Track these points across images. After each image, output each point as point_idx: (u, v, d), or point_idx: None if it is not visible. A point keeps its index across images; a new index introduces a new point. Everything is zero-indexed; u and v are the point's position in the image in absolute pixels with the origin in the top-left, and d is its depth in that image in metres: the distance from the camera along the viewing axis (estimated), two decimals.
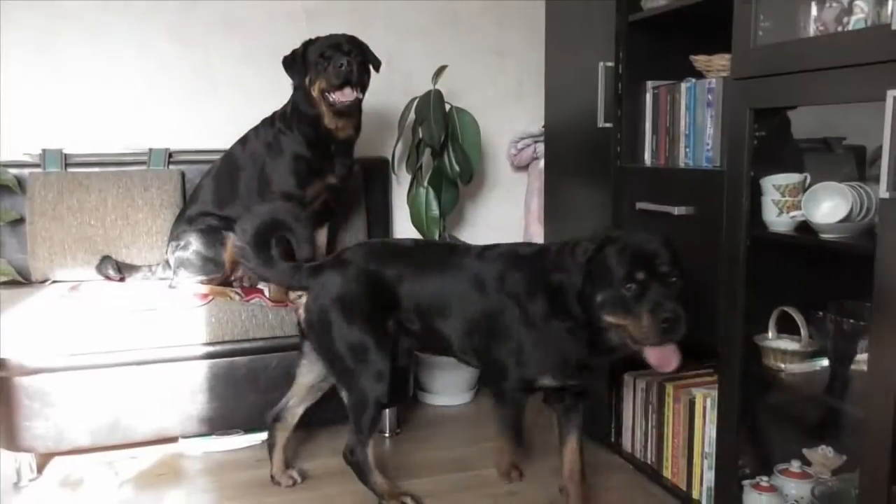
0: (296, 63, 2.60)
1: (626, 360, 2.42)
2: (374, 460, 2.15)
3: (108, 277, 2.75)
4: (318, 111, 2.60)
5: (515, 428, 2.14)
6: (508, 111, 3.51)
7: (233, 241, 2.65)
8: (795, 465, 1.96)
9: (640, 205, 2.28)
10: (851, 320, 1.78)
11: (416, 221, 3.07)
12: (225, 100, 3.15)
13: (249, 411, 2.55)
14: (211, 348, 2.50)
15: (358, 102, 2.60)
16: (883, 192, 1.44)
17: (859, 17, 1.57)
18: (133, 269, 2.79)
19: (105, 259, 2.76)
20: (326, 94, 2.56)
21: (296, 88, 2.64)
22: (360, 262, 2.10)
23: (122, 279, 2.75)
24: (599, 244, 1.82)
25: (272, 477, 2.35)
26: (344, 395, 2.13)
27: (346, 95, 2.55)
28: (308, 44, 2.60)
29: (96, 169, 2.88)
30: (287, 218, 2.16)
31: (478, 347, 2.05)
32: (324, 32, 2.71)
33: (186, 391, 2.49)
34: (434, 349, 2.34)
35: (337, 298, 2.07)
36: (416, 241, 2.36)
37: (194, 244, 2.65)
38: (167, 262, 2.73)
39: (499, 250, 2.07)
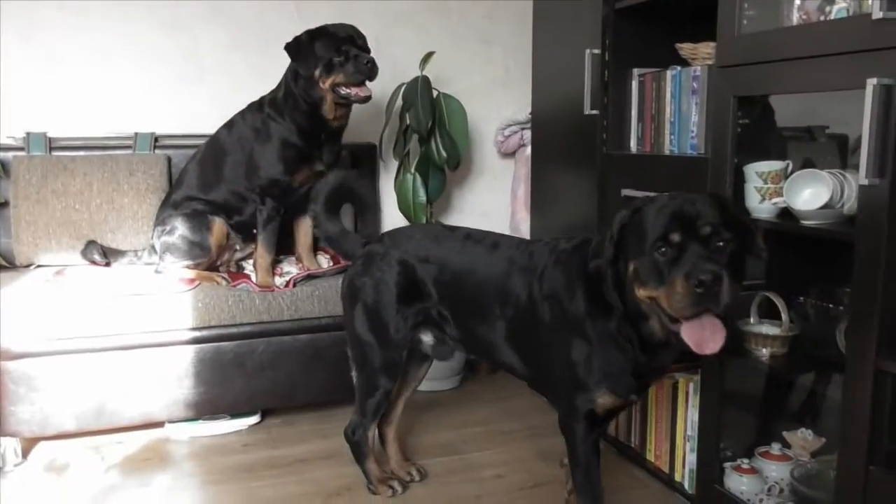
0: (302, 52, 2.57)
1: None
2: (373, 445, 2.17)
3: (93, 262, 2.73)
4: (319, 101, 2.60)
5: (595, 490, 1.83)
6: (495, 98, 3.51)
7: (218, 225, 2.66)
8: (776, 448, 2.00)
9: (626, 191, 2.30)
10: (831, 305, 1.81)
11: (404, 207, 3.07)
12: (212, 85, 3.13)
13: (236, 396, 2.56)
14: (197, 333, 2.50)
15: (371, 96, 2.62)
16: (862, 178, 1.47)
17: (841, 7, 1.59)
18: (119, 253, 2.78)
19: (90, 244, 2.75)
20: (340, 87, 2.57)
21: (295, 76, 2.61)
22: (396, 249, 2.03)
23: (107, 264, 2.74)
24: (635, 209, 1.58)
25: (391, 472, 2.30)
26: (354, 374, 2.13)
27: (364, 91, 2.58)
28: (314, 34, 2.58)
29: (81, 153, 2.86)
30: (356, 186, 2.23)
31: (524, 358, 1.89)
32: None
33: (173, 376, 2.49)
34: (477, 352, 2.07)
35: (366, 280, 2.04)
36: (461, 230, 2.08)
37: (180, 229, 2.64)
38: (153, 247, 2.72)
39: (541, 243, 1.90)
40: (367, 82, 2.60)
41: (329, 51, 2.55)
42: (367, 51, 2.62)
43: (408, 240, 2.05)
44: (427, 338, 2.09)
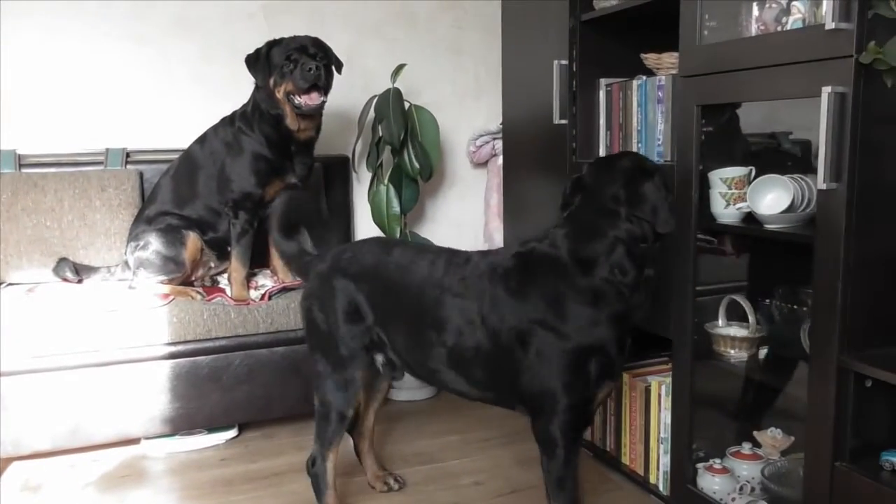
0: (259, 63, 2.59)
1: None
2: (332, 477, 2.04)
3: (65, 279, 2.72)
4: (281, 112, 2.61)
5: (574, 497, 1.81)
6: (467, 109, 3.55)
7: (192, 240, 2.66)
8: (746, 447, 2.04)
9: None
10: (794, 306, 1.86)
11: (378, 219, 3.09)
12: (183, 99, 3.13)
13: (212, 410, 2.55)
14: (173, 348, 2.49)
15: (322, 105, 2.62)
16: (821, 183, 1.52)
17: (797, 18, 1.64)
18: (91, 270, 2.76)
19: (62, 261, 2.73)
20: (292, 96, 2.57)
21: (258, 88, 2.64)
22: (336, 267, 1.97)
23: (80, 281, 2.72)
24: None
25: (370, 483, 2.31)
26: (315, 401, 2.04)
27: (312, 99, 2.58)
28: (272, 44, 2.60)
29: (52, 169, 2.84)
30: (305, 205, 2.31)
31: (490, 379, 1.83)
32: (282, 31, 2.72)
33: (148, 392, 2.48)
34: (420, 375, 2.02)
35: (313, 301, 2.00)
36: (397, 243, 2.06)
37: (154, 244, 2.63)
38: (126, 262, 2.71)
39: (504, 253, 1.85)
40: (323, 92, 2.59)
41: (280, 59, 2.56)
42: (324, 60, 2.60)
43: (348, 258, 1.98)
44: (379, 357, 2.00)
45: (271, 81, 2.58)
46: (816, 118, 1.50)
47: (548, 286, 1.71)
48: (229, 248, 2.71)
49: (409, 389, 3.05)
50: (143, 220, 2.72)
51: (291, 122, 2.62)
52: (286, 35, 2.64)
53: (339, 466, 2.13)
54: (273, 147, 2.65)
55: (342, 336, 1.95)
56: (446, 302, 1.81)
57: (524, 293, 1.73)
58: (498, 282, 1.77)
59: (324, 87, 2.60)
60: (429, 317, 1.83)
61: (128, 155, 2.97)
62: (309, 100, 2.57)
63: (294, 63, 2.55)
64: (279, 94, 2.58)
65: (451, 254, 1.91)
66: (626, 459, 2.37)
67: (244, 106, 2.71)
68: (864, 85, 1.45)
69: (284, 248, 2.16)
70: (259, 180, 2.66)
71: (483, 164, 3.50)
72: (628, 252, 1.67)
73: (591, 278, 1.68)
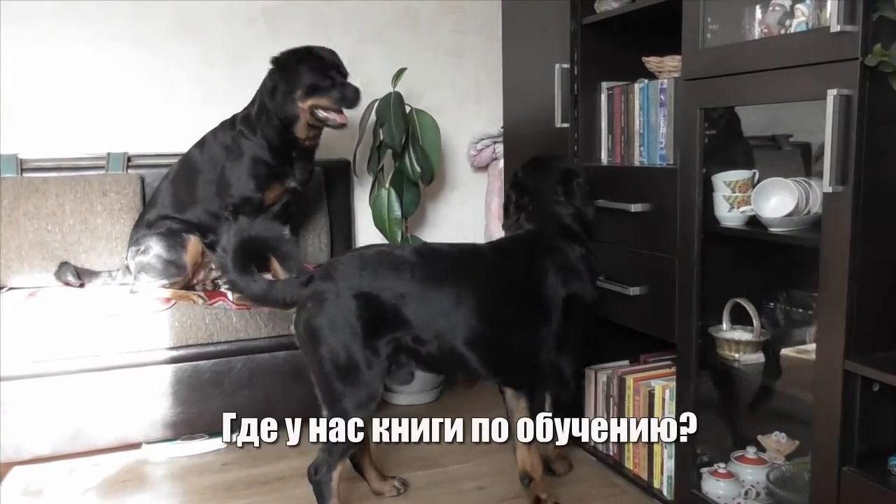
0: (288, 69, 2.58)
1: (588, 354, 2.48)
2: (338, 486, 2.02)
3: (67, 284, 2.71)
4: (293, 119, 2.61)
5: None
6: (467, 112, 3.54)
7: (193, 243, 2.65)
8: (751, 452, 2.03)
9: (599, 202, 2.33)
10: (800, 310, 1.85)
11: (379, 223, 3.08)
12: (184, 103, 3.12)
13: (214, 415, 2.54)
14: (175, 352, 2.49)
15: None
16: (826, 186, 1.51)
17: (801, 21, 1.64)
18: (93, 274, 2.76)
19: (63, 265, 2.72)
20: (319, 110, 2.59)
21: (273, 91, 2.59)
22: (351, 279, 1.94)
23: (81, 285, 2.71)
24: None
25: (374, 492, 2.29)
26: (324, 412, 2.00)
27: (342, 118, 2.62)
28: (304, 55, 2.60)
29: (53, 174, 2.84)
30: (270, 235, 2.01)
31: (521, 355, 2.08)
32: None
33: (150, 396, 2.48)
34: (449, 370, 2.34)
35: (322, 321, 1.93)
36: (417, 248, 2.16)
37: (155, 248, 2.63)
38: (127, 267, 2.70)
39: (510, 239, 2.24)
40: (346, 110, 2.63)
41: (315, 74, 2.57)
42: (347, 77, 2.65)
43: (359, 270, 1.95)
44: (401, 360, 2.01)
45: (298, 92, 2.57)
46: (816, 121, 1.50)
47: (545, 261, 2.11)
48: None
49: (410, 394, 3.05)
50: (144, 225, 2.72)
51: (302, 131, 2.63)
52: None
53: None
54: (274, 151, 2.65)
55: (363, 352, 1.92)
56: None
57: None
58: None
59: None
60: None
61: (129, 159, 2.97)
62: (340, 118, 2.62)
63: (331, 80, 2.57)
64: (303, 105, 2.58)
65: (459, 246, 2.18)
66: (629, 464, 2.37)
67: (247, 109, 2.70)
68: (870, 87, 1.45)
69: (252, 288, 1.96)
70: (258, 184, 2.66)
71: (484, 168, 3.49)
72: (581, 223, 2.21)
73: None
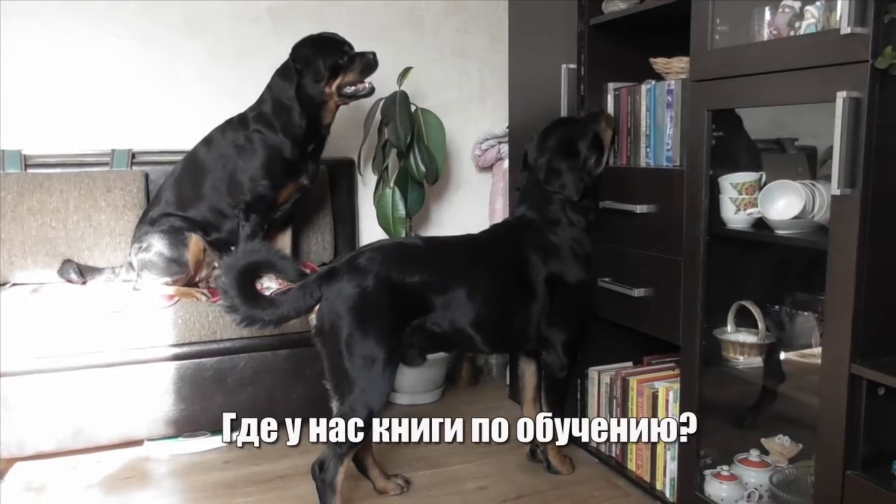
0: (311, 61, 2.60)
1: (591, 355, 2.49)
2: (342, 484, 2.02)
3: (70, 280, 2.71)
4: (320, 106, 2.64)
5: None
6: (472, 112, 3.54)
7: (195, 241, 2.65)
8: (754, 454, 2.03)
9: (604, 203, 2.33)
10: (806, 313, 1.85)
11: (383, 222, 3.08)
12: (189, 100, 3.12)
13: (216, 412, 2.53)
14: (177, 350, 2.49)
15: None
16: (834, 189, 1.51)
17: (810, 22, 1.63)
18: (96, 271, 2.76)
19: (67, 262, 2.72)
20: (346, 87, 2.64)
21: (299, 86, 2.60)
22: (380, 270, 1.99)
23: (84, 282, 2.71)
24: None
25: (378, 491, 2.29)
26: (335, 404, 2.02)
27: (370, 86, 2.68)
28: (317, 41, 2.64)
29: (57, 170, 2.83)
30: (261, 258, 1.99)
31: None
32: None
33: (152, 394, 2.47)
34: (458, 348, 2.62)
35: (352, 309, 1.95)
36: (425, 239, 2.37)
37: (157, 245, 2.62)
38: (130, 264, 2.70)
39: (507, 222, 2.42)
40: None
41: (334, 55, 2.61)
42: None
43: (386, 261, 2.01)
44: (415, 346, 2.11)
45: (324, 77, 2.60)
46: (821, 125, 1.50)
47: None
48: (233, 248, 2.69)
49: (413, 393, 3.04)
50: (147, 222, 2.72)
51: (328, 115, 2.69)
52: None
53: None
54: (297, 146, 2.66)
55: (388, 342, 1.98)
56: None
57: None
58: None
59: None
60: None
61: (133, 156, 2.96)
62: (369, 86, 2.67)
63: (347, 56, 2.63)
64: (330, 88, 2.62)
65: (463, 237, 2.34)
66: (632, 465, 2.36)
67: (258, 107, 2.68)
68: (880, 90, 1.44)
69: (262, 315, 1.94)
70: (274, 182, 2.65)
71: (488, 168, 3.49)
72: (571, 206, 2.26)
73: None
